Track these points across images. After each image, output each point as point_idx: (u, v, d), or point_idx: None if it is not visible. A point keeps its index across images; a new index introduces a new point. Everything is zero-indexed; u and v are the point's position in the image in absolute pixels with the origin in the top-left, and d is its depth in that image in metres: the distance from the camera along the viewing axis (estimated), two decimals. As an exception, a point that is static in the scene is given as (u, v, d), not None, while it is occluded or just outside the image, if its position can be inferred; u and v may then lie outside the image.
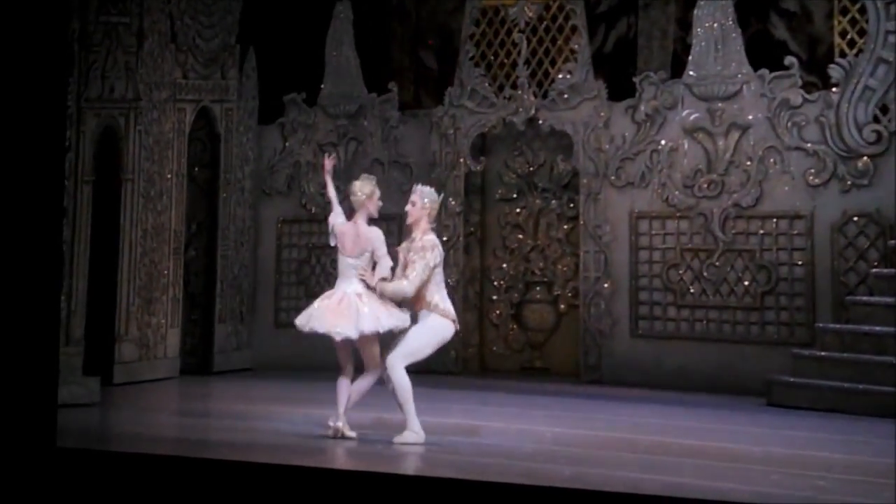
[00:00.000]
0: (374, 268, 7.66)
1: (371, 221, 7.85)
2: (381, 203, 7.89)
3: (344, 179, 12.63)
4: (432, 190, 7.88)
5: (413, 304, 7.66)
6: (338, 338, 7.51)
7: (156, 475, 6.71)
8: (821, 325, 10.36)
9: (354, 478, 6.65)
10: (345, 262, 7.70)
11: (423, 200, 7.69)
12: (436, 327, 7.61)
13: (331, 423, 7.70)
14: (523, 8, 12.43)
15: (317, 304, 7.72)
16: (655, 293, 11.58)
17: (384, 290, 7.56)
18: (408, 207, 7.74)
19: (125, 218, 11.01)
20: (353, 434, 7.67)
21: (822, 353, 9.94)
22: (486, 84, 12.48)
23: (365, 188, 7.81)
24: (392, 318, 7.55)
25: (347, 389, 7.68)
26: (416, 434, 7.53)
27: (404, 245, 7.76)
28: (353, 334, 7.46)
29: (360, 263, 7.63)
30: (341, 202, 8.00)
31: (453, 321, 7.67)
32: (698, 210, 11.42)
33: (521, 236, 12.59)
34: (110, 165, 11.01)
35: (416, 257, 7.54)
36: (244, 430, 8.25)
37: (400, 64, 13.80)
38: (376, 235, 7.70)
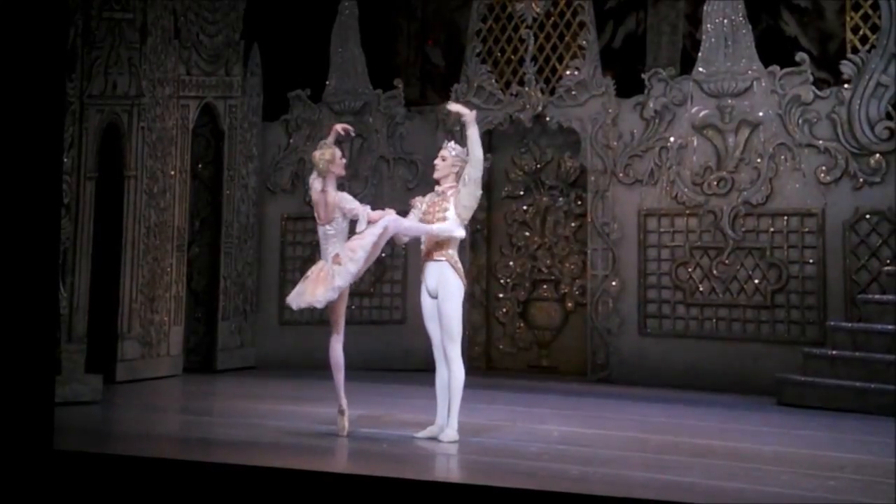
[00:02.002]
0: (354, 225, 7.75)
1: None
2: (345, 161, 7.97)
3: (349, 176, 12.61)
4: (463, 149, 7.93)
5: (430, 252, 7.70)
6: (319, 306, 7.69)
7: (157, 479, 6.64)
8: (832, 323, 10.25)
9: (358, 482, 6.56)
10: (321, 231, 7.81)
11: (452, 156, 7.80)
12: (458, 295, 7.68)
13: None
14: (531, 4, 12.35)
15: (303, 281, 7.83)
16: (664, 291, 11.49)
17: (431, 231, 7.62)
18: (437, 161, 7.85)
19: (128, 215, 10.94)
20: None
21: (834, 352, 9.85)
22: (493, 80, 12.41)
23: (325, 155, 7.84)
24: (359, 261, 7.64)
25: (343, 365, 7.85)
26: (456, 432, 7.62)
27: (428, 197, 7.83)
28: (333, 295, 7.61)
29: (333, 230, 7.72)
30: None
31: (464, 280, 7.75)
32: (708, 207, 11.31)
33: (528, 234, 12.50)
34: (113, 162, 10.94)
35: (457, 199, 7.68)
36: (248, 429, 8.18)
37: (406, 60, 13.75)
38: (341, 196, 7.78)
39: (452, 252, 7.71)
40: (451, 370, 7.63)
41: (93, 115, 10.77)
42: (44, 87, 6.17)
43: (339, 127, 8.16)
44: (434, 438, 7.66)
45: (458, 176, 7.79)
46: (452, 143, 8.06)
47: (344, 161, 7.95)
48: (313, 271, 7.76)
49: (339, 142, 12.71)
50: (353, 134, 8.41)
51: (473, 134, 7.74)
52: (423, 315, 7.81)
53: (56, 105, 6.49)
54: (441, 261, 7.66)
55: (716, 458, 7.30)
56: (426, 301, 7.74)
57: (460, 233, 7.70)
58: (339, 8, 12.84)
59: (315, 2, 13.02)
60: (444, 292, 7.63)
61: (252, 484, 6.49)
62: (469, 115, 7.85)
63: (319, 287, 7.61)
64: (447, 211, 7.69)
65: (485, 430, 8.25)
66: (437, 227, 7.65)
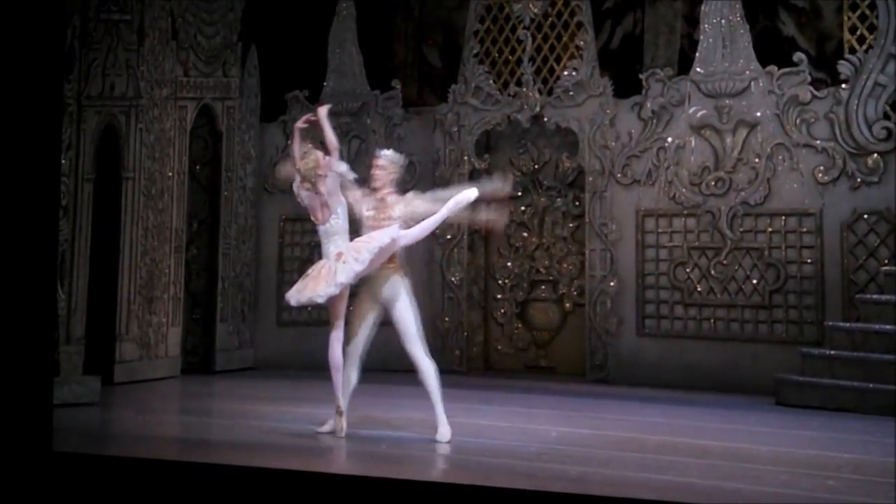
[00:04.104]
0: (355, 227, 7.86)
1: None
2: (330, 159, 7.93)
3: (347, 177, 12.63)
4: (399, 155, 8.08)
5: (384, 263, 7.77)
6: (321, 300, 7.65)
7: (155, 480, 6.64)
8: (830, 323, 10.25)
9: (357, 482, 6.57)
10: (321, 231, 7.79)
11: (392, 166, 7.93)
12: (408, 297, 7.81)
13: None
14: (528, 4, 12.34)
15: (304, 278, 7.82)
16: (662, 292, 11.48)
17: (444, 216, 7.75)
18: (376, 171, 7.91)
19: (126, 216, 10.94)
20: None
21: (832, 352, 9.84)
22: (491, 81, 12.40)
23: (309, 163, 7.82)
24: (364, 262, 7.63)
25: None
26: (447, 428, 7.69)
27: (369, 200, 7.88)
28: (335, 290, 7.59)
29: (333, 228, 7.71)
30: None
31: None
32: (706, 208, 11.31)
33: (525, 234, 12.50)
34: (111, 163, 10.94)
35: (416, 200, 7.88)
36: (246, 431, 8.18)
37: (403, 61, 13.73)
38: (331, 188, 7.74)
39: (400, 261, 7.82)
40: (421, 369, 7.66)
41: (91, 117, 10.77)
42: (41, 88, 6.17)
43: (300, 124, 8.07)
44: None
45: (395, 182, 7.95)
46: (384, 150, 8.15)
47: (328, 158, 7.86)
48: (315, 269, 7.76)
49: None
50: (313, 118, 8.16)
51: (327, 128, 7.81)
52: (360, 320, 7.84)
53: (54, 107, 6.49)
54: (390, 268, 7.75)
55: (714, 459, 7.30)
56: (367, 307, 7.79)
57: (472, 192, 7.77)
58: (337, 9, 12.84)
59: (313, 3, 13.01)
60: (397, 300, 7.72)
61: (251, 485, 6.49)
62: (319, 112, 7.86)
63: (321, 283, 7.61)
64: (394, 218, 7.79)
65: (483, 430, 8.24)
66: (451, 203, 7.70)
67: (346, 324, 7.87)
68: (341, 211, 7.74)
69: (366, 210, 7.87)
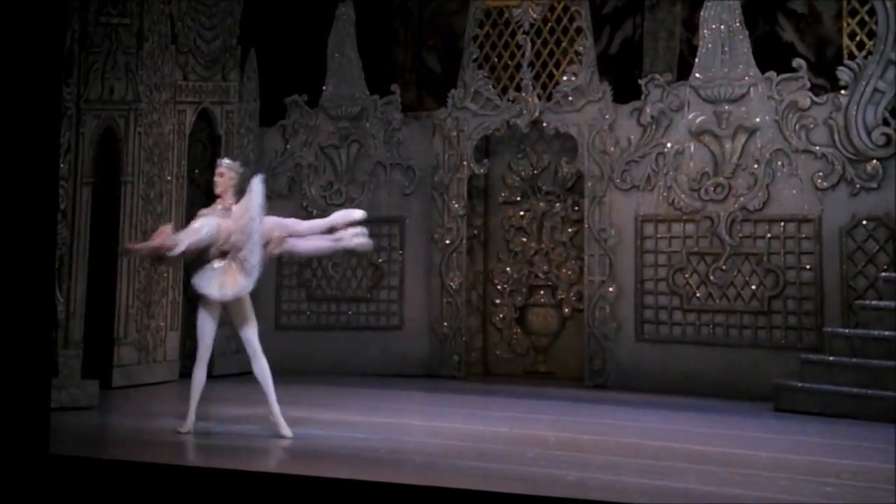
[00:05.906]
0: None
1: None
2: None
3: (346, 181, 12.64)
4: (237, 163, 8.50)
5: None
6: (248, 290, 8.02)
7: (152, 484, 6.64)
8: (829, 329, 10.24)
9: (355, 486, 6.56)
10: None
11: (231, 172, 8.25)
12: None
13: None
14: (527, 9, 12.34)
15: (213, 271, 8.08)
16: (661, 297, 11.47)
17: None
18: (216, 179, 8.26)
19: (125, 220, 10.93)
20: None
21: (831, 358, 9.83)
22: (490, 86, 12.40)
23: (164, 258, 8.33)
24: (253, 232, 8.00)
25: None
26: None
27: (220, 211, 8.18)
28: (255, 274, 7.95)
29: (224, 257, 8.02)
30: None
31: None
32: (705, 213, 11.31)
33: (524, 239, 12.51)
34: (110, 167, 10.94)
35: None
36: (243, 434, 8.17)
37: (402, 65, 13.74)
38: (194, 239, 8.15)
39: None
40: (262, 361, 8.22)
41: (89, 121, 10.76)
42: (40, 91, 6.18)
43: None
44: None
45: (236, 190, 8.21)
46: (224, 159, 8.53)
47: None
48: (220, 263, 7.98)
49: (334, 146, 12.75)
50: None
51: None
52: (208, 320, 8.17)
53: (52, 110, 6.50)
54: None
55: (712, 464, 7.29)
56: (216, 308, 8.05)
57: None
58: (336, 13, 12.83)
59: (312, 7, 13.02)
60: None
61: (248, 489, 6.48)
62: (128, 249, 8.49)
63: (238, 276, 7.88)
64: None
65: (481, 435, 8.24)
66: (337, 215, 8.30)
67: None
68: (213, 249, 8.02)
69: (219, 219, 8.09)
